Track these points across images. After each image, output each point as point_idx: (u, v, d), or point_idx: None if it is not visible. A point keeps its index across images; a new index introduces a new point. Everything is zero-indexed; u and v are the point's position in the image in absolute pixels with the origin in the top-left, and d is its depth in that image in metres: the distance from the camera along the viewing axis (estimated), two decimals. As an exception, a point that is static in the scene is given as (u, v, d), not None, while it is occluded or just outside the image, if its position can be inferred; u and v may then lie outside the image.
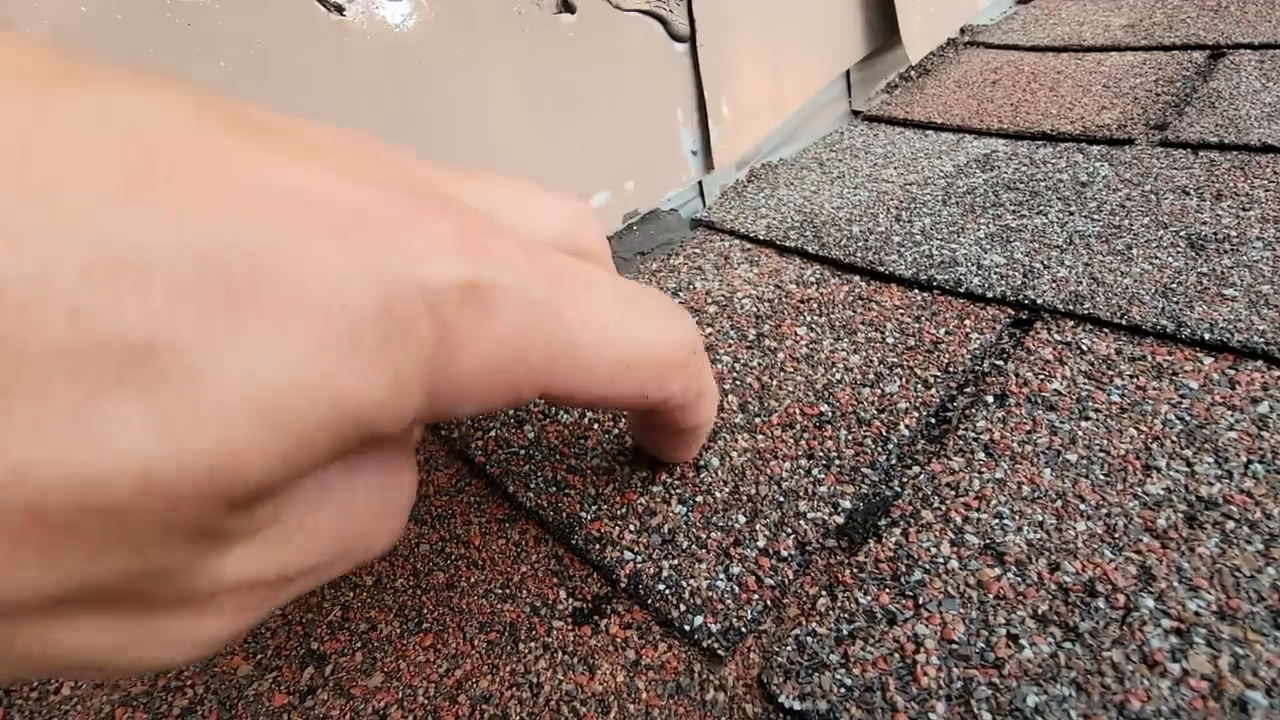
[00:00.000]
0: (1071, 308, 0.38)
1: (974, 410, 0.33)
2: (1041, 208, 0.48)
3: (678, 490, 0.32)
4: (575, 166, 0.46)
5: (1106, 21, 0.80)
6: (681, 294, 0.46)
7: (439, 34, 0.38)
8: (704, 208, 0.56)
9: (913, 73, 0.77)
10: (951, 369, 0.36)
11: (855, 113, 0.71)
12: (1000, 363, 0.36)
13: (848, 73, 0.69)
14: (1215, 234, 0.41)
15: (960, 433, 0.32)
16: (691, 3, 0.50)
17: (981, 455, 0.30)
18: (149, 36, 0.29)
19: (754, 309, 0.43)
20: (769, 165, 0.61)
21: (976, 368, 0.36)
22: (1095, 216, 0.46)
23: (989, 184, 0.52)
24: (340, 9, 0.34)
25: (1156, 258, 0.40)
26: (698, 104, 0.52)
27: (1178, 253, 0.40)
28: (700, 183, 0.55)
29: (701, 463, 0.33)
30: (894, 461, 0.31)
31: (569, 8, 0.43)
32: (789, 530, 0.29)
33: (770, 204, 0.55)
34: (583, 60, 0.45)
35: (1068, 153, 0.55)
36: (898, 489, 0.30)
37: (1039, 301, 0.39)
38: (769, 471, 0.32)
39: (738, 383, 0.37)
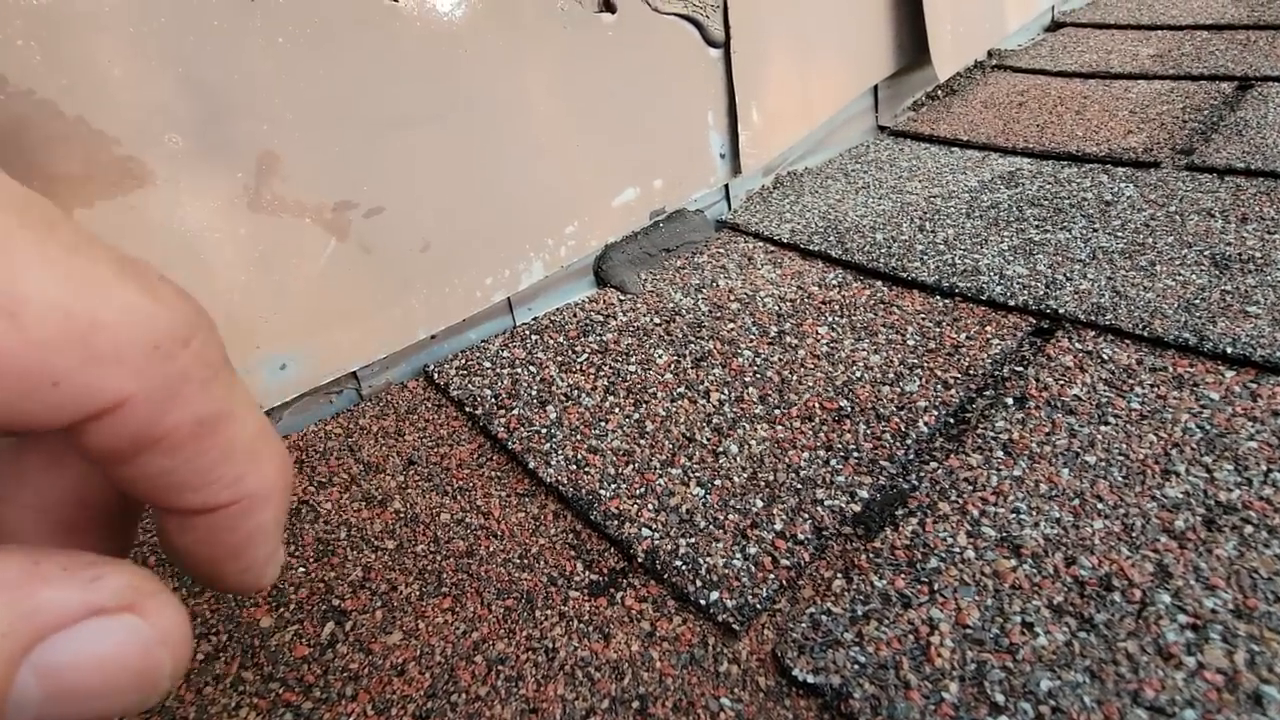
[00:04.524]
0: (1093, 318, 0.38)
1: (993, 411, 0.33)
2: (1065, 224, 0.48)
3: (696, 474, 0.32)
4: (606, 161, 0.47)
5: (1135, 50, 0.81)
6: (705, 290, 0.47)
7: (485, 24, 0.39)
8: (729, 210, 0.57)
9: (939, 92, 0.78)
10: (972, 371, 0.36)
11: (882, 128, 0.72)
12: (1020, 368, 0.36)
13: (876, 88, 0.70)
14: (1240, 254, 0.42)
15: (979, 432, 0.32)
16: (728, 9, 0.51)
17: (1000, 454, 0.31)
18: (213, 9, 0.30)
19: (776, 307, 0.44)
20: (794, 173, 0.62)
21: (997, 372, 0.36)
22: (1119, 234, 0.46)
23: (1013, 200, 0.53)
24: (393, -6, 0.35)
25: (1180, 274, 0.41)
26: (728, 108, 0.53)
27: (1201, 270, 0.41)
28: (727, 186, 0.56)
29: (720, 449, 0.33)
30: (912, 456, 0.32)
31: (610, 7, 0.45)
32: (806, 515, 0.29)
33: (795, 209, 0.56)
34: (620, 58, 0.46)
35: (1093, 173, 0.55)
36: (915, 482, 0.30)
37: (1061, 311, 0.39)
38: (787, 460, 0.32)
39: (758, 375, 0.38)
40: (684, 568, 0.27)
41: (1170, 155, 0.56)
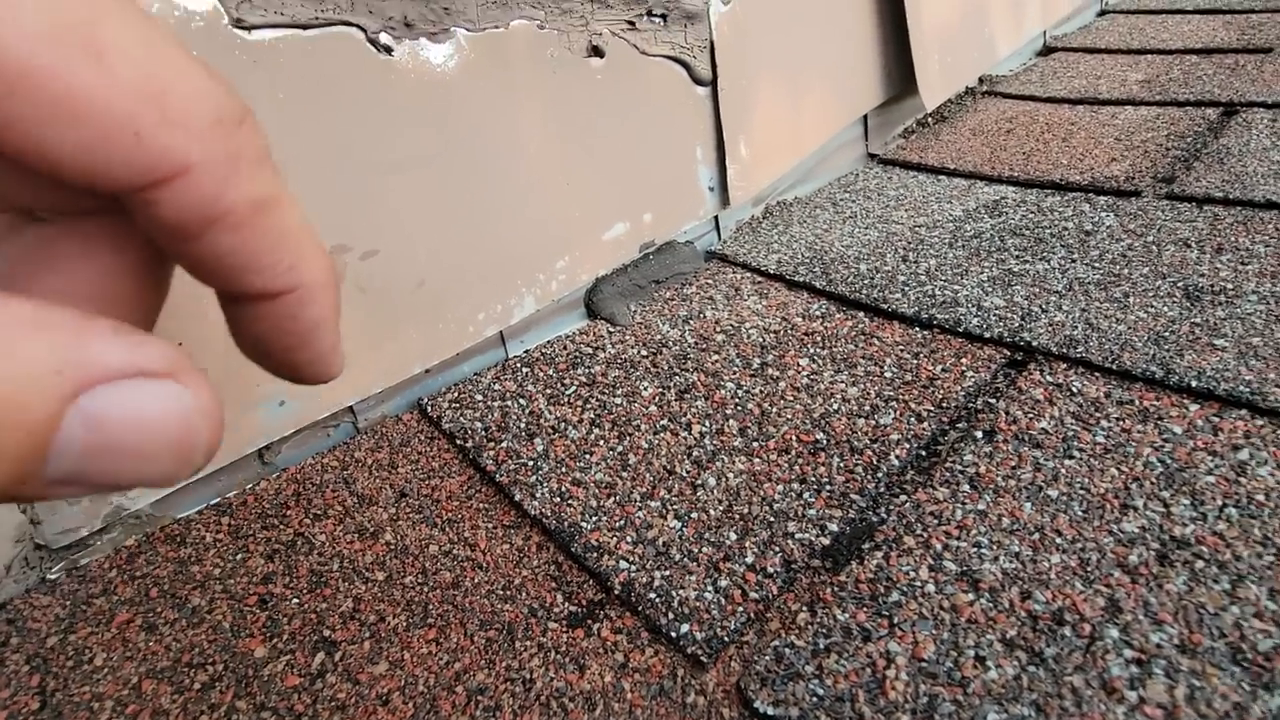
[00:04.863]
0: (1065, 351, 0.39)
1: (963, 445, 0.34)
2: (1045, 254, 0.49)
3: (674, 506, 0.33)
4: (596, 197, 0.48)
5: (1124, 76, 0.82)
6: (692, 321, 0.48)
7: (477, 73, 0.41)
8: (719, 241, 0.58)
9: (929, 119, 0.79)
10: (945, 404, 0.37)
11: (872, 156, 0.73)
12: (992, 400, 0.37)
13: (865, 117, 0.71)
14: (1212, 286, 0.42)
15: (948, 465, 0.33)
16: (714, 49, 0.53)
17: (966, 487, 0.32)
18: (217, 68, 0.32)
19: (760, 339, 0.45)
20: (784, 203, 0.64)
21: (969, 404, 0.37)
22: (1096, 264, 0.47)
23: (996, 229, 0.54)
24: (389, 50, 0.37)
25: (1152, 306, 0.42)
26: (717, 143, 0.55)
27: (1173, 302, 0.42)
28: (716, 217, 0.58)
29: (699, 481, 0.34)
30: (882, 489, 0.33)
31: (598, 52, 0.46)
32: (777, 549, 0.30)
33: (783, 240, 0.57)
34: (609, 99, 0.48)
35: (1075, 202, 0.57)
36: (884, 515, 0.31)
37: (1034, 344, 0.40)
38: (762, 493, 0.33)
39: (739, 408, 0.39)
40: (657, 600, 0.29)
41: (1151, 184, 0.57)
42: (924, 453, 0.35)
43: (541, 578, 0.31)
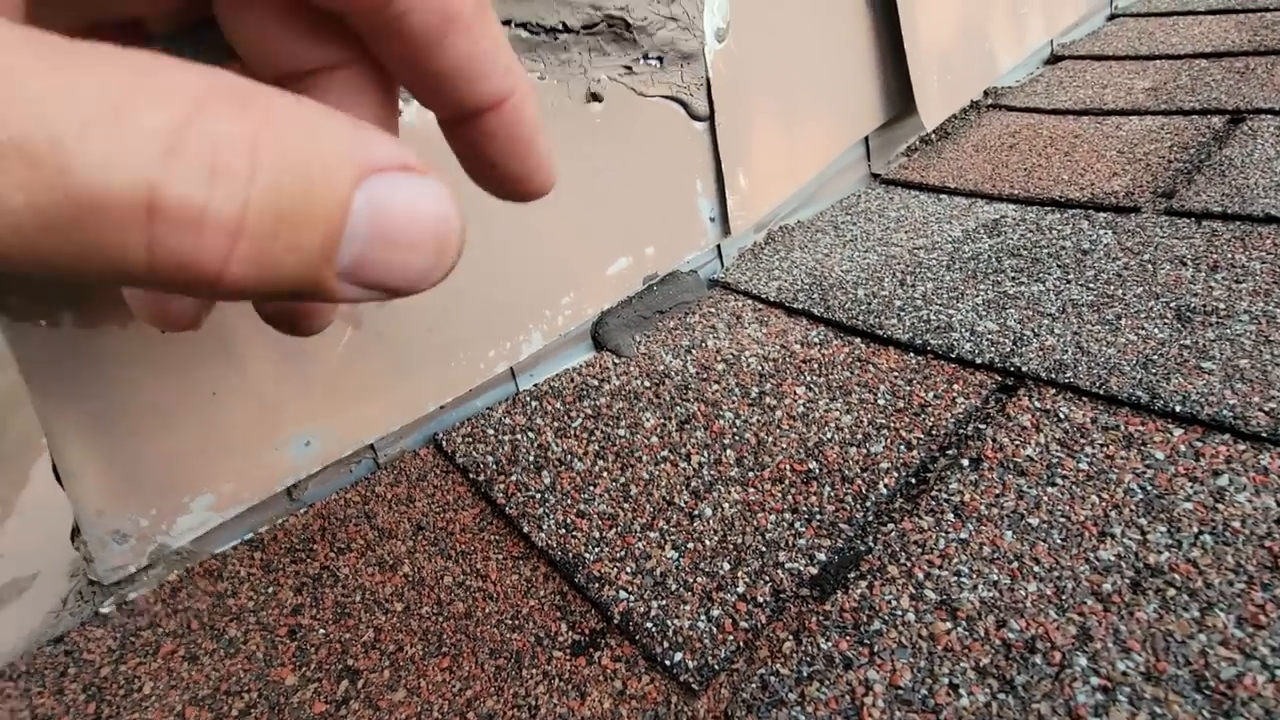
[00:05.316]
0: (1054, 376, 0.40)
1: (950, 473, 0.36)
2: (1041, 275, 0.50)
3: (672, 537, 0.35)
4: (599, 235, 0.51)
5: (1130, 84, 0.82)
6: (694, 351, 0.50)
7: (480, 127, 0.43)
8: (722, 269, 0.60)
9: (933, 136, 0.80)
10: (935, 432, 0.39)
11: (875, 176, 0.74)
12: (981, 427, 0.38)
13: (867, 138, 0.73)
14: (1204, 306, 0.43)
15: (934, 494, 0.35)
16: (711, 86, 0.55)
17: (950, 516, 0.33)
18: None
19: (759, 367, 0.47)
20: (786, 228, 0.65)
21: (960, 431, 0.39)
22: (1091, 285, 0.48)
23: (994, 250, 0.55)
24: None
25: (1143, 329, 0.42)
26: (716, 176, 0.57)
27: (1164, 324, 0.42)
28: (719, 246, 0.60)
29: (696, 512, 0.36)
30: (870, 518, 0.34)
31: (597, 98, 0.49)
32: (767, 579, 0.32)
33: (784, 266, 0.59)
34: (609, 141, 0.50)
35: (1074, 219, 0.57)
36: (870, 544, 0.33)
37: (1024, 369, 0.41)
38: (756, 523, 0.35)
39: (736, 437, 0.41)
40: (654, 629, 0.31)
41: (1151, 199, 0.57)
42: (913, 480, 0.36)
43: (548, 607, 0.33)
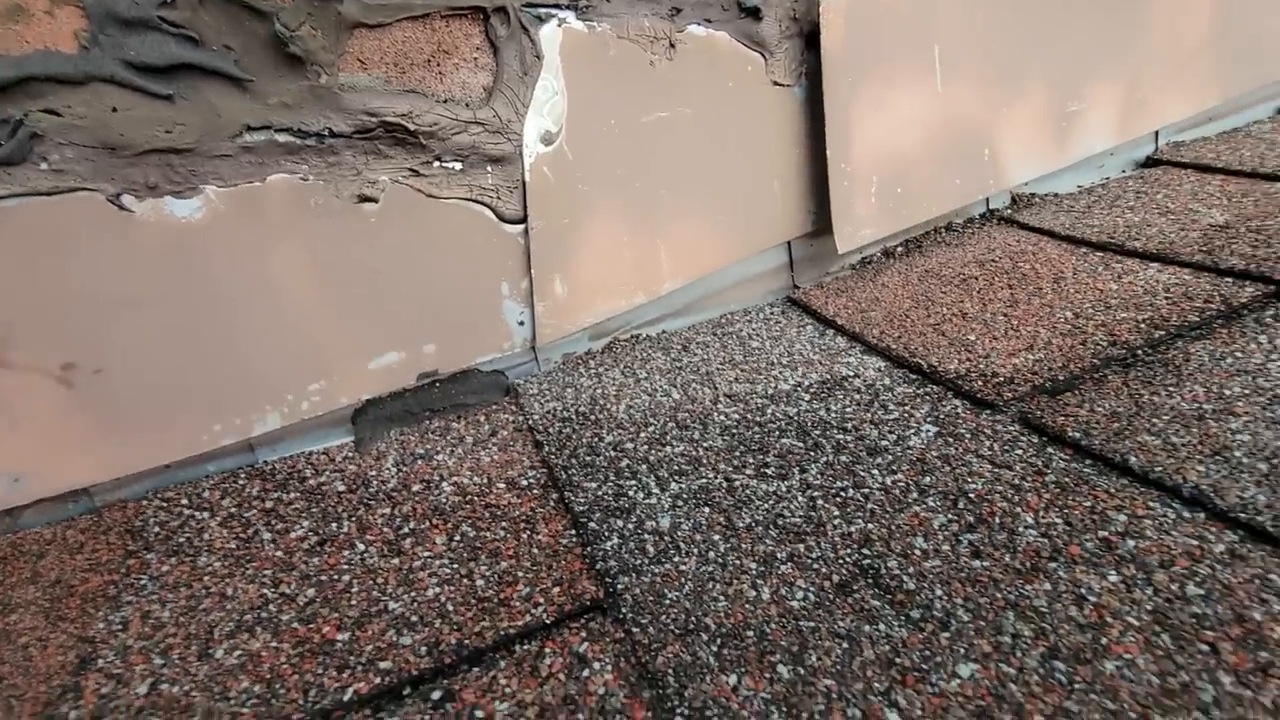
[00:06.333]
0: (627, 613, 0.33)
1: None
2: (804, 464, 0.41)
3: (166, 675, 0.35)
4: (361, 329, 0.51)
5: (1201, 215, 0.62)
6: (420, 462, 0.48)
7: (227, 225, 0.46)
8: (530, 375, 0.57)
9: (900, 250, 0.68)
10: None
11: (797, 286, 0.65)
12: (545, 636, 0.33)
13: (790, 249, 0.64)
14: (895, 584, 0.32)
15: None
16: (526, 191, 0.52)
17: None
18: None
19: (445, 501, 0.44)
20: (635, 339, 0.60)
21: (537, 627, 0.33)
22: (827, 502, 0.38)
23: (791, 419, 0.46)
24: (129, 209, 0.44)
25: (795, 585, 0.33)
26: (528, 279, 0.54)
27: (822, 591, 0.32)
28: (534, 349, 0.57)
29: (208, 652, 0.36)
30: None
31: (369, 199, 0.49)
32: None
33: (582, 385, 0.54)
34: (385, 239, 0.50)
35: (920, 399, 0.45)
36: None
37: (616, 590, 0.34)
38: (256, 675, 0.34)
39: (329, 579, 0.39)
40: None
41: (1026, 395, 0.43)
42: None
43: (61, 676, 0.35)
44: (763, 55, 0.57)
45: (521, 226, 0.53)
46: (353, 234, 0.49)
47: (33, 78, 0.41)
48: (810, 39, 0.58)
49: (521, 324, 0.56)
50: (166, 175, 0.45)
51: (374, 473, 0.48)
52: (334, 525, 0.44)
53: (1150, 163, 0.77)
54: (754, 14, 0.55)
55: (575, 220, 0.54)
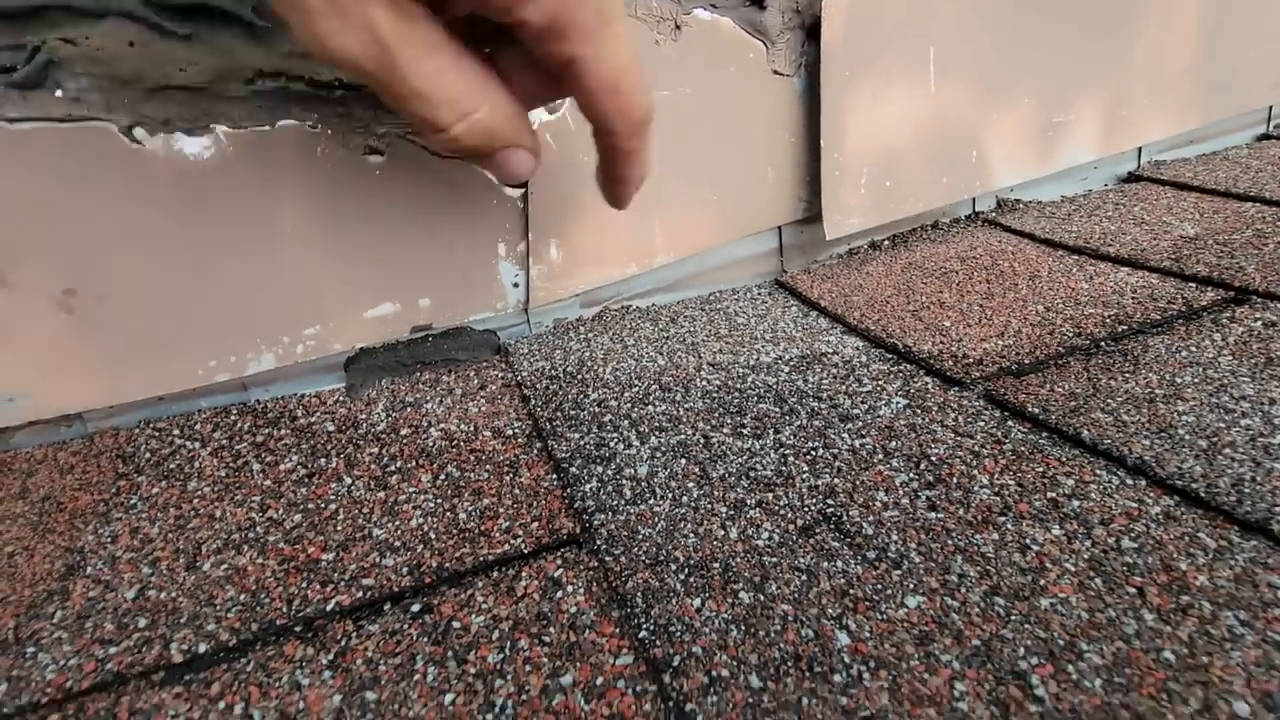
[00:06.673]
0: (601, 543, 0.35)
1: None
2: (779, 426, 0.43)
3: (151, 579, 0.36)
4: (360, 278, 0.53)
5: (1172, 227, 0.65)
6: (408, 410, 0.50)
7: (233, 163, 0.48)
8: (521, 336, 0.59)
9: (887, 242, 0.70)
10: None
11: (785, 271, 0.67)
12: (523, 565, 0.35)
13: (780, 234, 0.66)
14: (857, 529, 0.34)
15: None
16: (528, 153, 0.54)
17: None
18: (-10, 147, 0.43)
19: (433, 444, 0.46)
20: (625, 309, 0.62)
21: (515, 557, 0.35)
22: (799, 453, 0.40)
23: (770, 387, 0.48)
24: (140, 141, 0.46)
25: (762, 527, 0.35)
26: (526, 242, 0.56)
27: (787, 534, 0.34)
28: (526, 310, 0.58)
29: (196, 564, 0.37)
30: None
31: (376, 151, 0.51)
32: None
33: (571, 348, 0.56)
34: (387, 193, 0.52)
35: (892, 376, 0.48)
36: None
37: (592, 525, 0.36)
38: (241, 585, 0.35)
39: (318, 507, 0.41)
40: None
41: (993, 374, 0.45)
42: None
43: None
44: (764, 44, 0.59)
45: (521, 190, 0.55)
46: (357, 184, 0.51)
47: (51, 6, 0.43)
48: (811, 31, 0.60)
49: (516, 285, 0.57)
50: (179, 112, 0.46)
51: (364, 416, 0.50)
52: (322, 461, 0.45)
53: (1131, 178, 0.80)
54: (758, 2, 0.57)
55: (574, 188, 0.56)
